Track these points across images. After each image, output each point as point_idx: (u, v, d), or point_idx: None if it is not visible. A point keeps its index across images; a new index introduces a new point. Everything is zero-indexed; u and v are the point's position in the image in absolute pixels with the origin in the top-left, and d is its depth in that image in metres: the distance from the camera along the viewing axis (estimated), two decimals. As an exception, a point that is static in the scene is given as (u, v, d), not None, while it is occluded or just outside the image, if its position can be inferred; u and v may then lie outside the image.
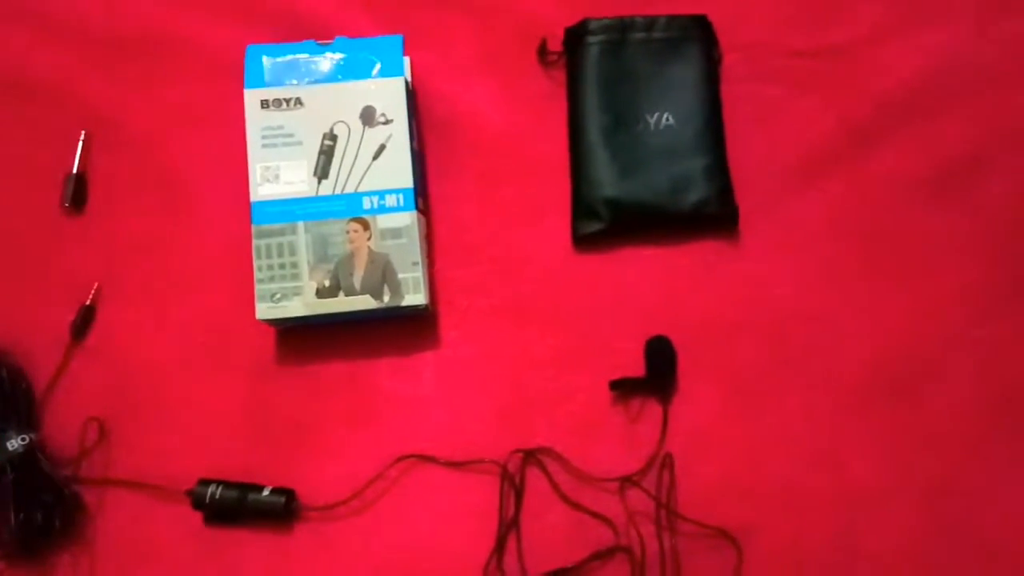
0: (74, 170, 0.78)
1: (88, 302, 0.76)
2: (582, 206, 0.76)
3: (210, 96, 0.79)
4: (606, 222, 0.75)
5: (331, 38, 0.76)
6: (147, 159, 0.79)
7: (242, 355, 0.74)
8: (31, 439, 0.70)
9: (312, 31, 0.78)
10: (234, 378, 0.74)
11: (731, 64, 0.79)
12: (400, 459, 0.71)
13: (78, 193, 0.78)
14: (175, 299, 0.76)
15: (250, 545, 0.70)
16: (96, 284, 0.76)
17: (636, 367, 0.73)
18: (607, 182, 0.75)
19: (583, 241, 0.76)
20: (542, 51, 0.80)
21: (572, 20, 0.79)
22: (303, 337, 0.75)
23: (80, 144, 0.79)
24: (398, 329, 0.74)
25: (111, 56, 0.81)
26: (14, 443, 0.69)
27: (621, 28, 0.78)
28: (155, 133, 0.80)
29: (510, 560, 0.69)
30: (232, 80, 0.75)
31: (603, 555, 0.68)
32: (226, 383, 0.74)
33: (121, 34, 0.82)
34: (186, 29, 0.82)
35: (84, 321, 0.75)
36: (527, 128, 0.79)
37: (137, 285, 0.76)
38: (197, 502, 0.70)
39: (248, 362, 0.74)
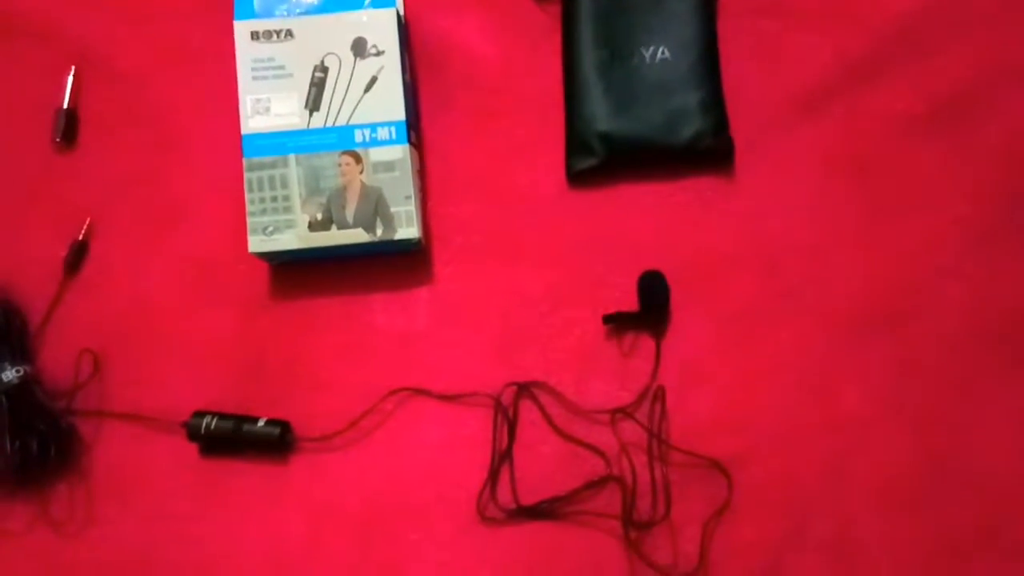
0: (64, 105, 0.78)
1: (81, 237, 0.75)
2: (576, 141, 0.75)
3: (201, 30, 0.78)
4: (600, 157, 0.75)
5: (322, -31, 0.75)
6: (138, 93, 0.78)
7: (236, 289, 0.74)
8: (26, 371, 0.70)
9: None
10: (228, 312, 0.74)
11: (728, -3, 0.78)
12: (394, 392, 0.72)
13: (69, 128, 0.78)
14: (168, 233, 0.76)
15: (246, 476, 0.71)
16: (88, 219, 0.76)
17: (630, 302, 0.73)
18: (601, 117, 0.75)
19: (577, 176, 0.75)
20: (537, -16, 0.79)
21: (567, -48, 0.77)
22: (296, 272, 0.75)
23: (70, 79, 0.78)
24: (391, 264, 0.74)
25: (100, -10, 0.81)
26: (9, 374, 0.69)
27: (617, -40, 0.77)
28: (146, 67, 0.79)
29: (503, 490, 0.70)
30: (222, 13, 0.74)
31: (595, 485, 0.69)
32: (220, 317, 0.74)
33: (110, -32, 0.81)
34: (176, -39, 0.81)
35: (77, 256, 0.75)
36: (521, 63, 0.78)
37: (129, 220, 0.76)
38: (192, 434, 0.70)
39: (242, 296, 0.74)
